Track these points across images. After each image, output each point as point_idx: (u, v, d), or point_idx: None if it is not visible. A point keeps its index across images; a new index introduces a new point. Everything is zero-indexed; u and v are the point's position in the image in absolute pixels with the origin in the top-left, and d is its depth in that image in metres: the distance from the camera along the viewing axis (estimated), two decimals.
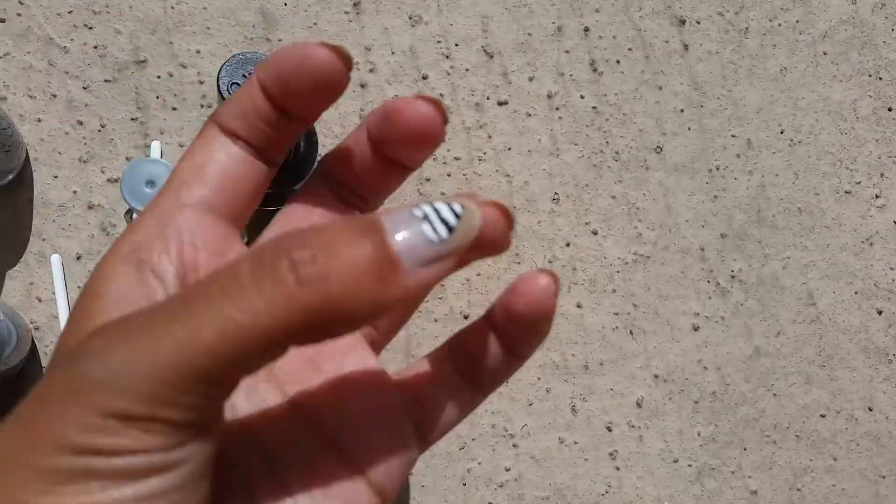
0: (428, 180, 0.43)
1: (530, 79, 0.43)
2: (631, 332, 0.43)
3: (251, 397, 0.18)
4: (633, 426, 0.43)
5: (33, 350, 0.40)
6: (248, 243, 0.21)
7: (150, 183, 0.29)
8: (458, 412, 0.21)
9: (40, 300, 0.40)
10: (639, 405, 0.43)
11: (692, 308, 0.44)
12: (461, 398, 0.21)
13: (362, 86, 0.43)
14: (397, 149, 0.19)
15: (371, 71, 0.43)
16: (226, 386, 0.14)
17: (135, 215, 0.33)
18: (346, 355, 0.20)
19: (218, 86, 0.30)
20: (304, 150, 0.36)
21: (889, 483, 0.45)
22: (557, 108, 0.43)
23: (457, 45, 0.43)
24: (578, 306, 0.43)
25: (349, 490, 0.18)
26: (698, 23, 0.45)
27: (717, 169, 0.45)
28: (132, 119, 0.41)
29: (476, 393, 0.21)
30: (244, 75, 0.29)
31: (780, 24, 0.45)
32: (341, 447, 0.18)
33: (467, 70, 0.43)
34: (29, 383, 0.40)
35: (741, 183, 0.45)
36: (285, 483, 0.17)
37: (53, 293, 0.40)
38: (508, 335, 0.20)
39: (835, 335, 0.45)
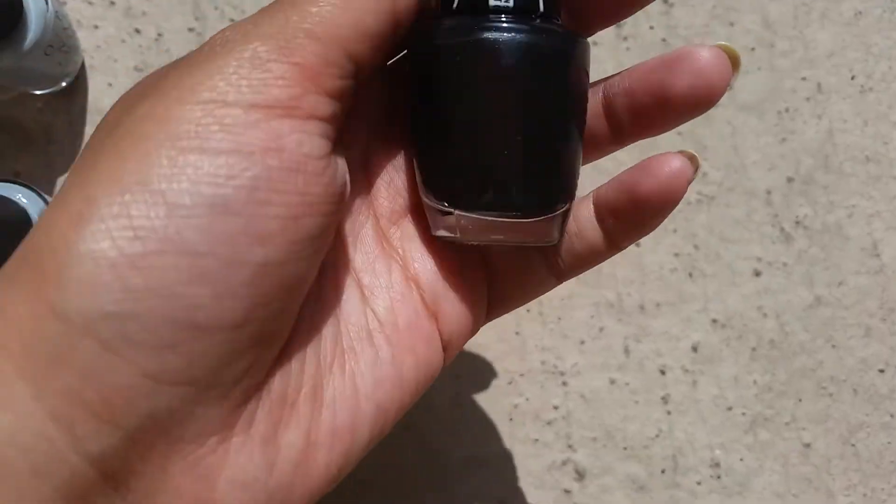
0: None
1: None
2: (690, 275, 0.42)
3: (352, 219, 0.19)
4: (687, 371, 0.42)
5: None
6: None
7: None
8: (528, 291, 0.21)
9: None
10: (694, 350, 0.42)
11: (755, 252, 0.42)
12: (536, 278, 0.21)
13: None
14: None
15: None
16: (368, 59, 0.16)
17: None
18: None
19: None
20: None
21: None
22: (625, 39, 0.42)
23: None
24: (637, 245, 0.42)
25: (429, 330, 0.18)
26: None
27: (787, 111, 0.43)
28: (189, 29, 0.40)
29: (551, 276, 0.21)
30: None
31: None
32: (422, 287, 0.19)
33: None
34: None
35: (810, 127, 0.43)
36: (374, 309, 0.18)
37: None
38: (618, 218, 0.19)
39: None
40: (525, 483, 0.41)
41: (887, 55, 0.44)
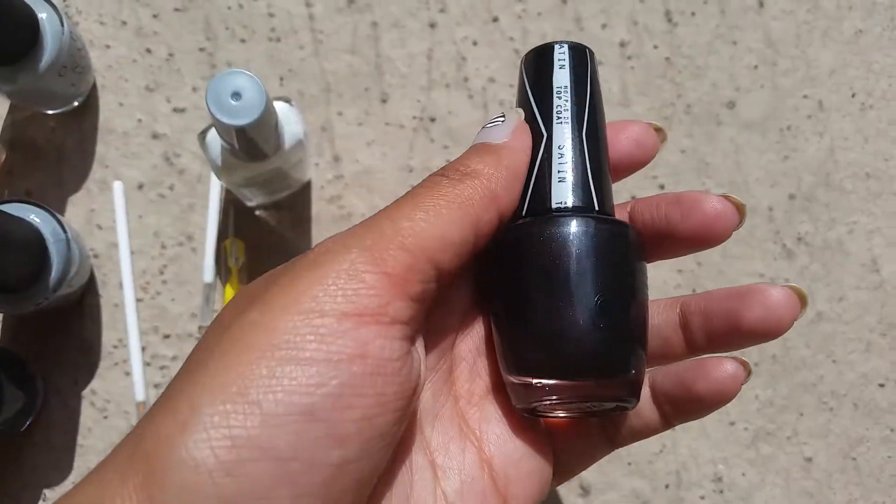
0: None
1: (603, 26, 0.42)
2: (693, 290, 0.43)
3: (433, 399, 0.20)
4: None
5: (92, 277, 0.40)
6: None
7: (236, 95, 0.28)
8: (586, 461, 0.22)
9: (100, 227, 0.40)
10: None
11: (757, 269, 0.43)
12: (594, 450, 0.22)
13: (431, 26, 0.42)
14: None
15: (441, 11, 0.42)
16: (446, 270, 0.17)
17: (210, 133, 0.33)
18: None
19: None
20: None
21: None
22: (629, 58, 0.42)
23: None
24: None
25: None
26: None
27: (789, 129, 0.44)
28: (200, 49, 0.41)
29: (610, 446, 0.22)
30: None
31: None
32: (494, 471, 0.20)
33: (539, 14, 0.42)
34: (89, 311, 0.39)
35: (811, 144, 0.44)
36: (444, 490, 0.19)
37: (114, 220, 0.40)
38: (674, 406, 0.21)
39: None
40: None
41: (887, 73, 0.45)
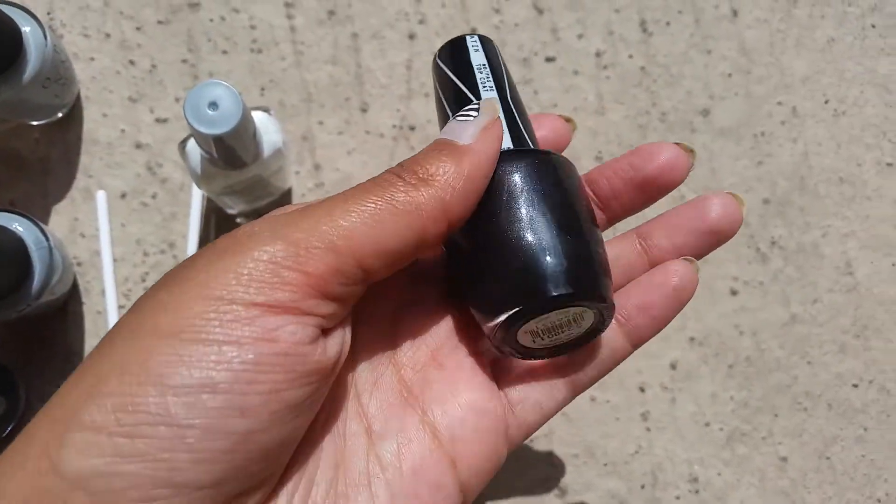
0: None
1: (579, 36, 0.43)
2: None
3: (371, 369, 0.20)
4: (665, 388, 0.43)
5: (75, 284, 0.40)
6: None
7: (213, 105, 0.29)
8: (546, 413, 0.21)
9: (83, 236, 0.41)
10: (673, 367, 0.43)
11: (731, 272, 0.44)
12: (553, 399, 0.21)
13: (411, 37, 0.43)
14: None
15: (421, 22, 0.43)
16: (372, 273, 0.17)
17: (189, 142, 0.33)
18: (465, 360, 0.21)
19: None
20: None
21: None
22: (605, 67, 0.43)
23: None
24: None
25: (438, 473, 0.18)
26: None
27: (763, 135, 0.44)
28: (183, 61, 0.42)
29: (570, 390, 0.22)
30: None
31: None
32: (438, 431, 0.19)
33: (516, 25, 0.43)
34: (72, 318, 0.40)
35: (785, 150, 0.45)
36: (378, 454, 0.19)
37: (97, 229, 0.41)
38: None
39: (871, 306, 0.45)
40: (509, 501, 0.42)
41: (859, 80, 0.45)
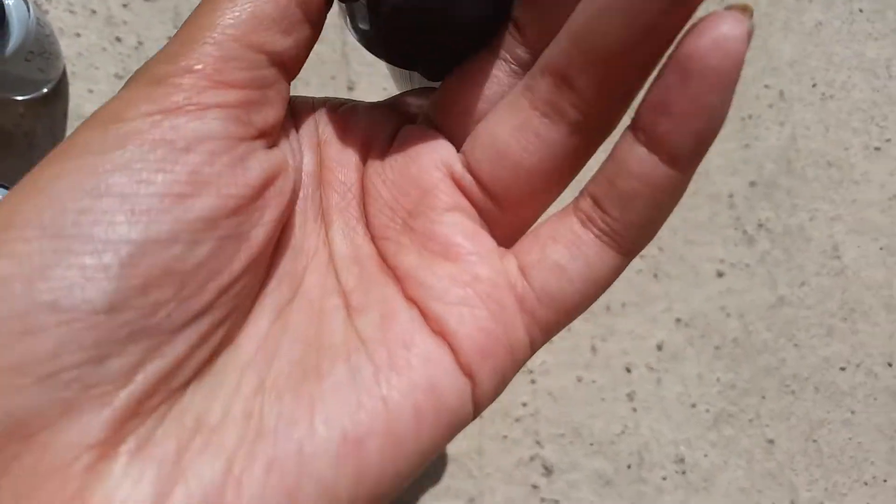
0: None
1: None
2: (655, 275, 0.43)
3: (347, 241, 0.17)
4: (652, 369, 0.43)
5: None
6: None
7: None
8: (573, 278, 0.15)
9: None
10: (659, 348, 0.43)
11: (718, 254, 0.44)
12: (581, 256, 0.15)
13: None
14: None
15: None
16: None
17: None
18: (457, 226, 0.16)
19: None
20: None
21: None
22: None
23: None
24: None
25: (432, 358, 0.15)
26: None
27: (750, 118, 0.45)
28: (169, 38, 0.41)
29: (609, 247, 0.15)
30: None
31: None
32: (426, 308, 0.15)
33: None
34: None
35: (772, 133, 0.45)
36: (358, 327, 0.15)
37: None
38: (675, 108, 0.13)
39: (858, 289, 0.45)
40: (494, 479, 0.42)
41: (847, 64, 0.45)
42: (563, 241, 0.15)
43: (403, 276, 0.16)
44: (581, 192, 0.16)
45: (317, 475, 0.13)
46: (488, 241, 0.16)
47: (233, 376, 0.14)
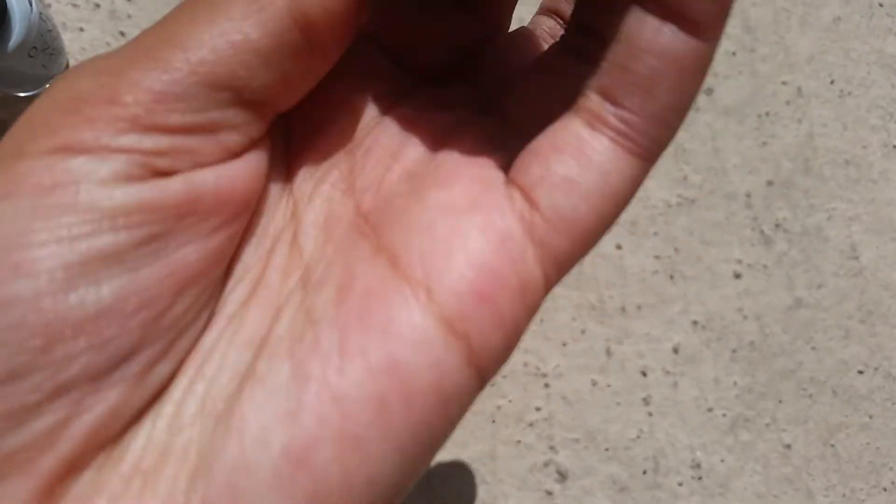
0: None
1: None
2: (671, 277, 0.43)
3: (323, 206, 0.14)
4: (668, 372, 0.42)
5: None
6: None
7: None
8: (587, 194, 0.12)
9: None
10: (675, 351, 0.42)
11: (735, 255, 0.43)
12: (604, 167, 0.12)
13: None
14: None
15: None
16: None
17: None
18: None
19: None
20: None
21: None
22: None
23: None
24: (618, 247, 0.42)
25: (396, 325, 0.11)
26: None
27: (767, 115, 0.44)
28: None
29: (627, 151, 0.12)
30: None
31: None
32: (400, 252, 0.12)
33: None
34: None
35: (790, 131, 0.44)
36: (312, 316, 0.12)
37: None
38: None
39: (876, 290, 0.44)
40: (507, 485, 0.41)
41: (865, 60, 0.45)
42: (569, 151, 0.12)
43: (381, 223, 0.13)
44: (581, 93, 0.12)
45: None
46: (492, 160, 0.13)
47: (170, 406, 0.12)
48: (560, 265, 0.12)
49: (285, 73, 0.12)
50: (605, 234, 0.13)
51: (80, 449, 0.11)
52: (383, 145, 0.14)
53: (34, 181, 0.11)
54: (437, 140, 0.14)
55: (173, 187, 0.12)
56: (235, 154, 0.13)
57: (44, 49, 0.36)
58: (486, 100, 0.15)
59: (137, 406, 0.12)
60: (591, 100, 0.12)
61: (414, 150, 0.14)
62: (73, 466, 0.11)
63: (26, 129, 0.12)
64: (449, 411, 0.12)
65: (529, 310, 0.12)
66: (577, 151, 0.12)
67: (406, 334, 0.11)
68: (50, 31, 0.36)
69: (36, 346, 0.11)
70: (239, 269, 0.13)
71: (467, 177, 0.13)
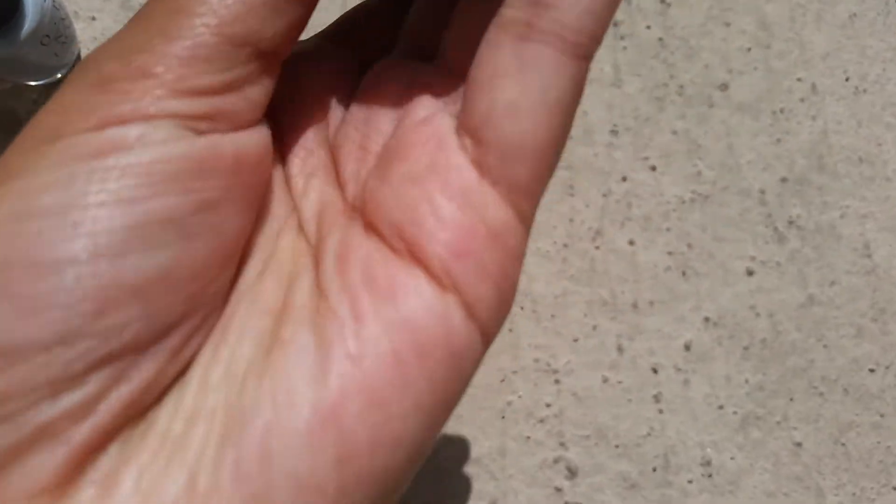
0: None
1: None
2: (683, 273, 0.42)
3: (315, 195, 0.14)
4: (679, 369, 0.42)
5: None
6: None
7: None
8: (546, 112, 0.12)
9: None
10: (687, 348, 0.42)
11: (748, 252, 0.43)
12: (543, 77, 0.12)
13: None
14: None
15: None
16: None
17: None
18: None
19: None
20: None
21: None
22: (622, 38, 0.42)
23: None
24: (631, 243, 0.42)
25: (397, 287, 0.12)
26: None
27: (781, 112, 0.43)
28: None
29: (562, 52, 0.12)
30: None
31: None
32: (383, 228, 0.13)
33: None
34: None
35: (804, 127, 0.43)
36: (323, 287, 0.13)
37: None
38: None
39: (889, 289, 0.43)
40: (517, 481, 0.41)
41: (881, 57, 0.44)
42: (504, 73, 0.12)
43: (364, 207, 0.13)
44: (507, 4, 0.12)
45: (288, 469, 0.11)
46: (442, 117, 0.13)
47: (196, 373, 0.12)
48: (527, 192, 0.12)
49: (290, 18, 0.13)
50: (564, 145, 0.13)
51: (115, 421, 0.11)
52: (352, 138, 0.14)
53: (85, 150, 0.11)
54: (392, 114, 0.14)
55: (223, 148, 0.12)
56: (259, 116, 0.13)
57: (56, 37, 0.36)
58: (426, 56, 0.15)
59: (171, 377, 0.12)
60: (512, 8, 0.12)
61: (376, 132, 0.14)
62: (105, 438, 0.11)
63: (58, 115, 0.12)
64: (460, 366, 0.12)
65: (511, 252, 0.12)
66: (513, 70, 0.12)
67: (410, 294, 0.12)
68: (63, 19, 0.36)
69: (88, 311, 0.11)
70: (251, 248, 0.14)
71: (420, 143, 0.13)
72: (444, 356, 0.12)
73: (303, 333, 0.12)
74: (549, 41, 0.11)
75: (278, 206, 0.14)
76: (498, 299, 0.12)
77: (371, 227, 0.13)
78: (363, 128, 0.14)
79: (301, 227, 0.14)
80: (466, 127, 0.12)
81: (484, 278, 0.12)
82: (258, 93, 0.13)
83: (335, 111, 0.15)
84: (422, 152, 0.13)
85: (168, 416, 0.12)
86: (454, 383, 0.12)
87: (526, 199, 0.12)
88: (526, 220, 0.13)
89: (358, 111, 0.15)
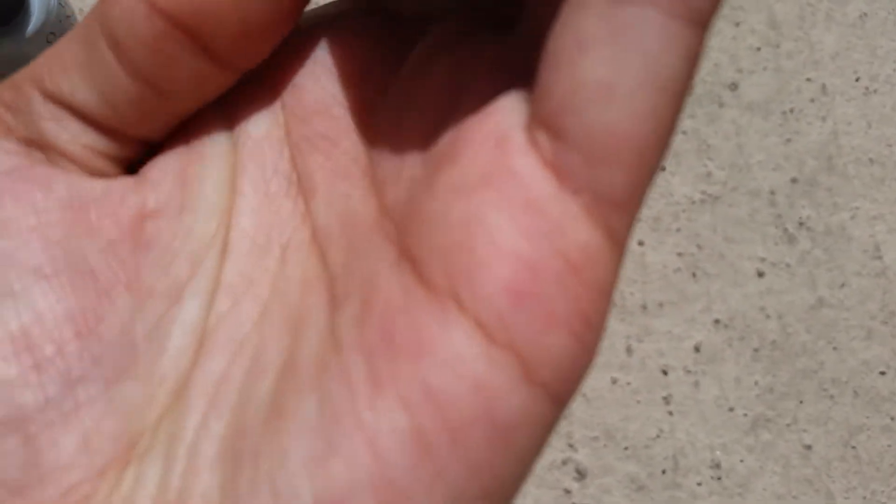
0: None
1: None
2: (693, 274, 0.42)
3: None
4: (689, 371, 0.42)
5: None
6: None
7: None
8: (652, 85, 0.08)
9: None
10: (696, 350, 0.42)
11: (758, 253, 0.42)
12: (646, 45, 0.08)
13: None
14: None
15: None
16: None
17: None
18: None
19: None
20: None
21: None
22: None
23: None
24: (640, 244, 0.42)
25: (427, 344, 0.09)
26: None
27: (791, 112, 0.43)
28: None
29: (675, 14, 0.09)
30: None
31: None
32: (421, 256, 0.09)
33: None
34: None
35: (814, 128, 0.43)
36: (338, 337, 0.10)
37: None
38: None
39: None
40: (525, 482, 0.40)
41: (892, 57, 0.44)
42: (598, 42, 0.08)
43: (402, 220, 0.10)
44: None
45: None
46: (507, 99, 0.10)
47: (182, 448, 0.10)
48: (621, 205, 0.09)
49: (110, 89, 0.11)
50: (670, 141, 0.09)
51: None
52: (393, 123, 0.11)
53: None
54: (445, 100, 0.11)
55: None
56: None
57: (62, 35, 0.35)
58: (484, 23, 0.11)
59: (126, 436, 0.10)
60: None
61: (423, 120, 0.11)
62: None
63: None
64: (512, 443, 0.09)
65: (596, 286, 0.09)
66: (605, 38, 0.08)
67: (438, 355, 0.09)
68: (68, 16, 0.36)
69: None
70: (224, 285, 0.11)
71: (477, 138, 0.09)
72: (488, 433, 0.09)
73: (306, 401, 0.09)
74: (655, 1, 0.08)
75: (273, 229, 0.11)
76: (574, 350, 0.09)
77: (406, 254, 0.10)
78: (406, 116, 0.11)
79: (314, 240, 0.11)
80: (540, 116, 0.09)
81: (553, 327, 0.09)
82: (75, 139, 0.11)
83: (369, 93, 0.12)
84: (478, 153, 0.09)
85: (150, 499, 0.10)
86: (506, 464, 0.09)
87: (619, 213, 0.09)
88: (619, 242, 0.09)
89: (400, 94, 0.11)
